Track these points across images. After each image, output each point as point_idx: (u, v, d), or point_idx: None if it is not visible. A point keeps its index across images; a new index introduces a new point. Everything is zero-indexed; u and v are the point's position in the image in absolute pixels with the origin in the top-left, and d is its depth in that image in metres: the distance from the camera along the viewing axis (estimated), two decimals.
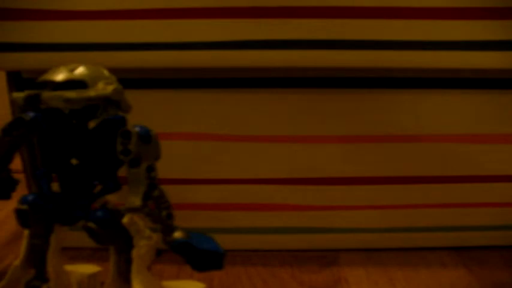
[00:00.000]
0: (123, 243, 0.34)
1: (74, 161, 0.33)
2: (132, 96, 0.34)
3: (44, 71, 0.33)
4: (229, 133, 0.49)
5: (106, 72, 0.33)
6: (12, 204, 0.34)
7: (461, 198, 0.50)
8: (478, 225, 0.51)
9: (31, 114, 0.32)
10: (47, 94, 0.32)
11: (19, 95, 0.32)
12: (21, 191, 0.34)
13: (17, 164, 0.36)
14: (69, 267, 0.36)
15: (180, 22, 0.45)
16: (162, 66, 0.46)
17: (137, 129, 0.32)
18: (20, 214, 0.33)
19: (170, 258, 0.34)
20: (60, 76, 0.32)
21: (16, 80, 0.49)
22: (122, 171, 0.33)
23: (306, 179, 0.50)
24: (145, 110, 0.46)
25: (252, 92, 0.48)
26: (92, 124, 0.32)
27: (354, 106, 0.48)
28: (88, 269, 0.37)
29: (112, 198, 0.34)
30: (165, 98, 0.48)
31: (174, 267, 0.46)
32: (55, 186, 0.34)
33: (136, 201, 0.32)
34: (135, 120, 0.33)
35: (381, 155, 0.49)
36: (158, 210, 0.33)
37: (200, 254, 0.32)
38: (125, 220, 0.33)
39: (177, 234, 0.33)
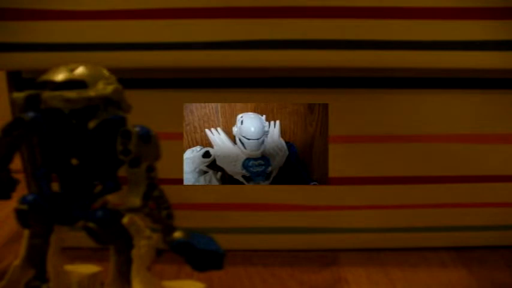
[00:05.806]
0: (123, 243, 0.34)
1: (74, 161, 0.33)
2: (132, 96, 0.34)
3: (44, 71, 0.33)
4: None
5: (106, 72, 0.33)
6: (12, 204, 0.34)
7: (461, 198, 0.50)
8: (478, 225, 0.51)
9: (31, 114, 0.32)
10: (47, 94, 0.32)
11: (19, 95, 0.32)
12: (21, 191, 0.34)
13: (17, 164, 0.36)
14: (69, 267, 0.36)
15: (180, 22, 0.45)
16: (162, 66, 0.46)
17: (137, 129, 0.32)
18: (20, 214, 0.33)
19: (170, 258, 0.34)
20: (60, 76, 0.32)
21: (16, 80, 0.49)
22: (122, 171, 0.33)
23: None
24: (145, 110, 0.46)
25: (252, 92, 0.48)
26: (92, 124, 0.32)
27: (354, 106, 0.48)
28: (88, 269, 0.37)
29: (112, 198, 0.34)
30: (165, 98, 0.48)
31: (174, 267, 0.46)
32: (55, 186, 0.34)
33: (137, 201, 0.32)
34: (135, 120, 0.33)
35: (381, 155, 0.49)
36: (158, 210, 0.33)
37: (200, 254, 0.32)
38: (125, 220, 0.33)
39: (177, 234, 0.32)
